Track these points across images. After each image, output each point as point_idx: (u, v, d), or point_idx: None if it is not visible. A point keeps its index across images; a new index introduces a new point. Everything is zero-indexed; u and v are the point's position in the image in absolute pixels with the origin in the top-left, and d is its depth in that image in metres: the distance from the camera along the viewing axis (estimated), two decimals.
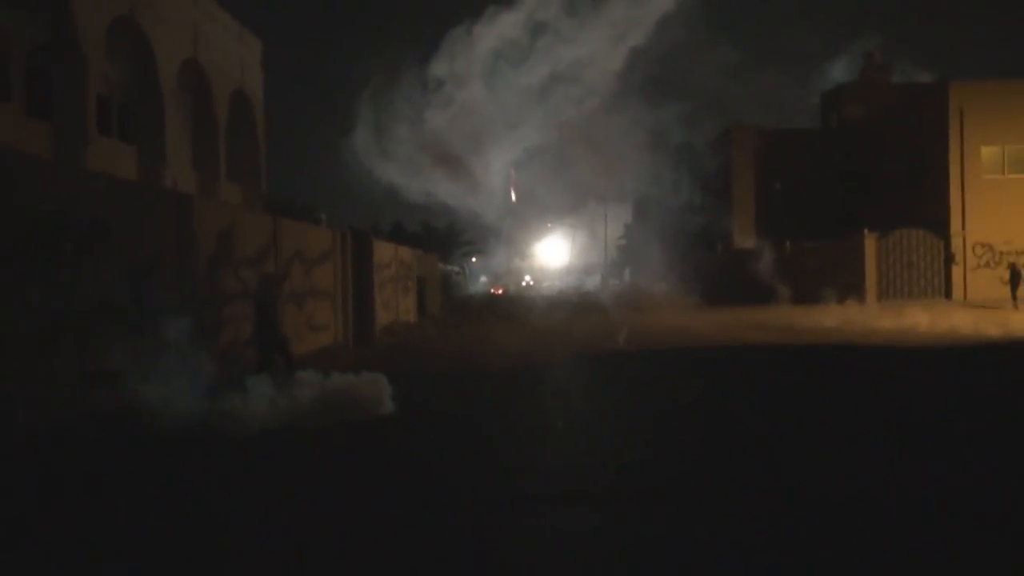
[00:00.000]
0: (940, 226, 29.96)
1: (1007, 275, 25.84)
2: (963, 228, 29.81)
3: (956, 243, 29.75)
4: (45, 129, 16.36)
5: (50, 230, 6.84)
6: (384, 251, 21.27)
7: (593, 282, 61.53)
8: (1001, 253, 29.42)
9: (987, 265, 29.71)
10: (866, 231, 30.08)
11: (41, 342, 6.69)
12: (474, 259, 70.18)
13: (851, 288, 29.72)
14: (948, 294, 29.68)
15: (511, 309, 33.14)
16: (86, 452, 6.40)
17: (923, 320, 19.72)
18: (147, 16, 18.87)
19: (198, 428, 7.13)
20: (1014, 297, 24.46)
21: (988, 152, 29.62)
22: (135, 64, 19.33)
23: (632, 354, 14.36)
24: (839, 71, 42.19)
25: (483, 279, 69.97)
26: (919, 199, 31.33)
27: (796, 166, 37.72)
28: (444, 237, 51.93)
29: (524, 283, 73.53)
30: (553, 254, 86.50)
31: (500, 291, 62.82)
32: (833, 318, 21.59)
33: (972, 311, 22.44)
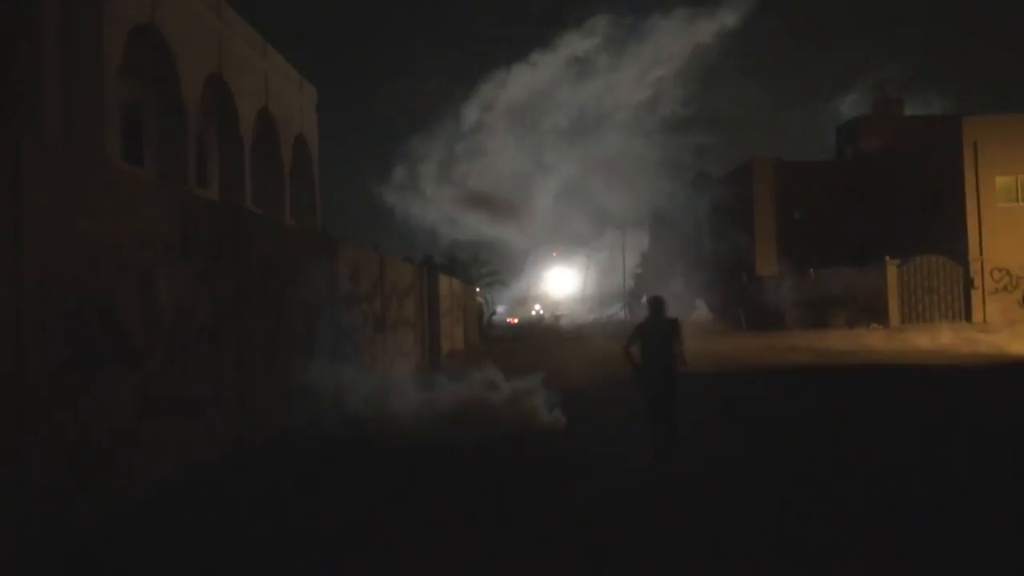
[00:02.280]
0: (958, 252, 31.44)
1: (1022, 297, 27.41)
2: (980, 254, 31.28)
3: (974, 268, 31.20)
4: (150, 174, 18.05)
5: (266, 271, 8.38)
6: (444, 283, 22.83)
7: (614, 311, 62.51)
8: (1018, 277, 30.89)
9: (1005, 289, 31.13)
10: (887, 258, 31.61)
11: (264, 362, 8.19)
12: (490, 288, 71.58)
13: (875, 313, 31.28)
14: (968, 317, 31.07)
15: (543, 338, 34.54)
16: (309, 459, 7.85)
17: (951, 341, 21.25)
18: (231, 72, 20.67)
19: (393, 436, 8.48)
20: None
21: (1003, 181, 31.21)
22: (221, 116, 21.09)
23: (691, 376, 15.71)
24: (853, 104, 43.98)
25: (500, 308, 71.00)
26: (936, 227, 32.87)
27: (815, 196, 39.34)
28: (468, 268, 53.43)
29: (535, 312, 74.62)
30: (564, 283, 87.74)
31: (515, 320, 64.03)
32: (862, 341, 23.09)
33: (996, 333, 23.85)
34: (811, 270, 34.99)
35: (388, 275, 14.53)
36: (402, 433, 8.51)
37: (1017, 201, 31.43)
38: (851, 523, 5.21)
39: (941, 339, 22.12)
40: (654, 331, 7.35)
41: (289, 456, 7.67)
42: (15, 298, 4.48)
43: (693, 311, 39.99)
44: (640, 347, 7.33)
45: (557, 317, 62.95)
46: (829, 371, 15.54)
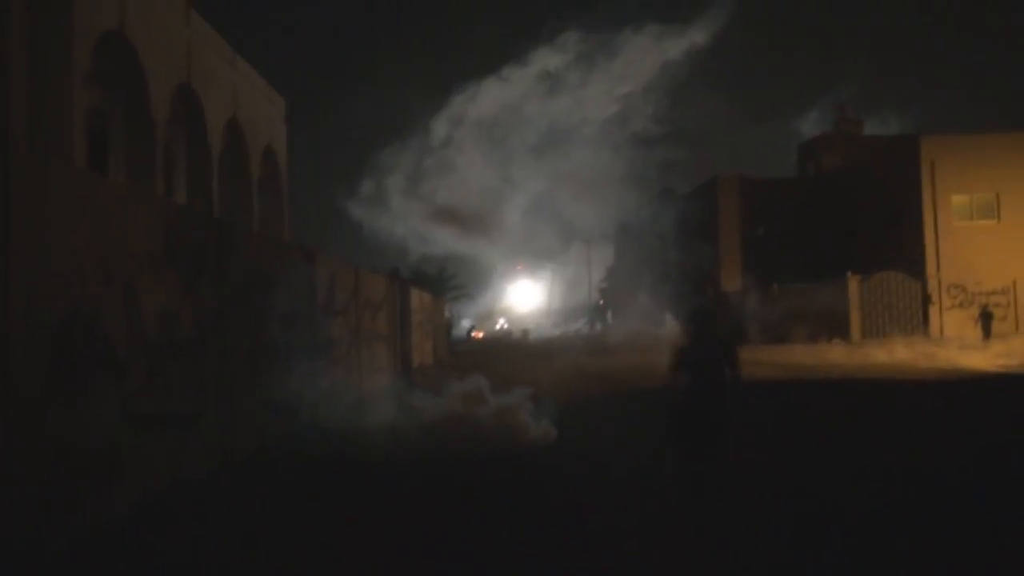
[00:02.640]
0: (916, 269, 32.22)
1: (977, 313, 28.24)
2: (938, 271, 32.09)
3: (932, 285, 31.98)
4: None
5: (247, 283, 8.24)
6: (415, 297, 22.69)
7: (579, 326, 62.54)
8: (973, 294, 31.72)
9: (960, 305, 31.94)
10: (849, 273, 32.25)
11: (244, 375, 8.03)
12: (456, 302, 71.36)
13: (836, 328, 31.86)
14: (926, 331, 31.80)
15: (511, 353, 34.49)
16: (296, 475, 7.70)
17: (909, 355, 21.74)
18: (200, 81, 20.40)
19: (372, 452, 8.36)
20: (987, 334, 26.68)
21: (958, 200, 32.12)
22: (189, 125, 20.77)
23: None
24: (815, 123, 44.99)
25: (466, 323, 70.64)
26: (896, 243, 33.68)
27: (778, 212, 40.08)
28: (435, 282, 53.33)
29: (499, 327, 74.34)
30: (529, 297, 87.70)
31: (480, 335, 63.75)
32: (824, 355, 23.51)
33: (952, 348, 24.44)
34: (774, 285, 35.56)
35: (362, 288, 14.39)
36: (379, 448, 8.39)
37: (972, 220, 32.36)
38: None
39: (899, 354, 22.59)
40: (701, 355, 5.72)
41: (270, 473, 7.51)
42: (2, 308, 4.34)
43: (662, 326, 40.26)
44: (683, 375, 5.75)
45: (525, 332, 62.84)
46: (807, 385, 15.82)
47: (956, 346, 23.76)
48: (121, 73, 17.27)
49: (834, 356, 23.36)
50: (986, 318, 27.20)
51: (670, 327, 35.97)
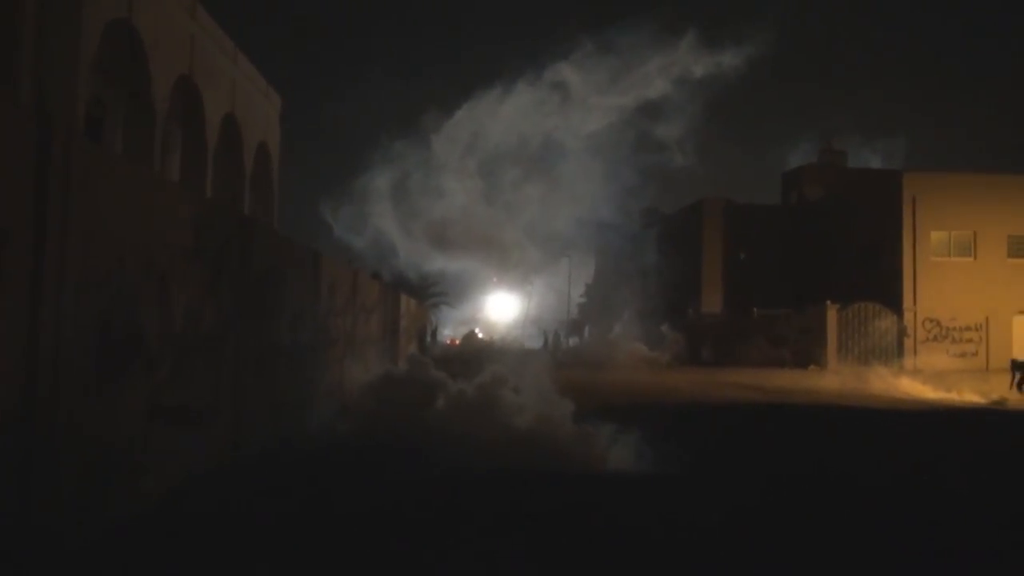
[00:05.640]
0: (894, 301, 32.87)
1: (954, 349, 28.87)
2: (914, 304, 32.78)
3: (908, 317, 32.65)
4: None
5: (262, 281, 8.29)
6: (404, 302, 22.74)
7: (545, 339, 62.04)
8: (948, 328, 32.45)
9: (935, 339, 32.64)
10: (828, 302, 32.82)
11: (255, 371, 8.08)
12: (435, 309, 71.32)
13: (812, 354, 32.39)
14: (900, 363, 32.41)
15: (494, 360, 34.50)
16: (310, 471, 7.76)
17: (884, 385, 22.19)
18: (201, 75, 20.37)
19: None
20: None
21: (937, 236, 32.87)
22: (187, 118, 20.72)
23: (644, 406, 15.98)
24: (803, 153, 45.74)
25: (446, 332, 70.52)
26: (874, 275, 34.33)
27: (761, 239, 40.68)
28: (416, 289, 53.22)
29: (477, 333, 74.34)
30: (503, 308, 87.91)
31: (456, 342, 63.75)
32: (801, 381, 23.93)
33: (924, 380, 24.91)
34: (755, 310, 36.09)
35: (359, 291, 14.44)
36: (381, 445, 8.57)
37: (949, 256, 33.11)
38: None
39: (875, 383, 23.01)
40: None
41: (281, 467, 7.57)
42: (57, 298, 4.39)
43: (635, 344, 40.51)
44: None
45: (494, 341, 62.63)
46: (791, 409, 16.06)
47: (922, 378, 24.31)
48: (125, 62, 17.21)
49: (810, 382, 23.76)
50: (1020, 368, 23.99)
51: (631, 346, 36.05)
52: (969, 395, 19.17)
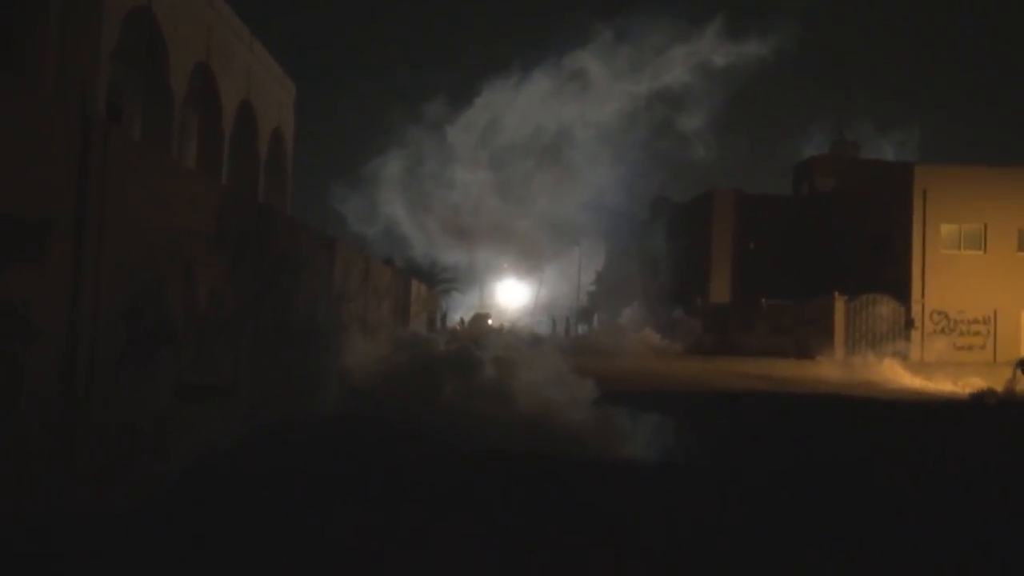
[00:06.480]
0: (902, 292, 32.96)
1: (961, 342, 28.92)
2: (922, 296, 32.86)
3: (916, 309, 32.75)
4: None
5: (279, 267, 8.64)
6: (415, 287, 23.10)
7: (554, 324, 62.08)
8: (955, 321, 32.55)
9: (942, 331, 32.73)
10: (836, 293, 32.95)
11: (272, 353, 8.44)
12: (445, 295, 71.63)
13: (820, 345, 32.55)
14: (907, 355, 32.55)
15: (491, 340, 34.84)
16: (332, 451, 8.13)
17: (891, 375, 22.40)
18: (218, 62, 20.68)
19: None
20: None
21: (947, 229, 32.91)
22: (204, 105, 21.06)
23: (654, 393, 16.29)
24: (817, 144, 45.62)
25: (457, 317, 70.73)
26: (882, 267, 34.41)
27: (771, 229, 40.75)
28: (427, 275, 53.54)
29: (484, 315, 74.48)
30: (515, 296, 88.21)
31: (461, 327, 63.98)
32: (809, 371, 24.16)
33: (930, 372, 25.07)
34: (763, 300, 36.24)
35: (372, 276, 14.79)
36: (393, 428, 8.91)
37: (959, 249, 33.15)
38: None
39: (881, 374, 23.20)
40: None
41: (295, 443, 7.96)
42: (95, 284, 4.73)
43: (645, 332, 40.71)
44: None
45: (503, 326, 62.96)
46: (800, 398, 16.36)
47: (939, 371, 24.41)
48: (144, 50, 17.54)
49: (818, 372, 23.98)
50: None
51: (641, 334, 36.35)
52: (975, 387, 19.35)
